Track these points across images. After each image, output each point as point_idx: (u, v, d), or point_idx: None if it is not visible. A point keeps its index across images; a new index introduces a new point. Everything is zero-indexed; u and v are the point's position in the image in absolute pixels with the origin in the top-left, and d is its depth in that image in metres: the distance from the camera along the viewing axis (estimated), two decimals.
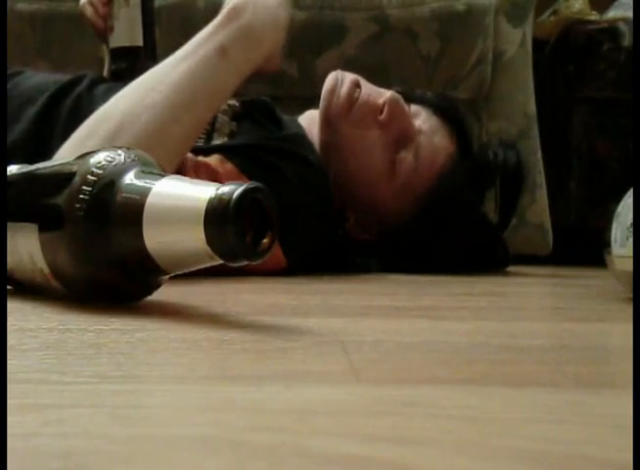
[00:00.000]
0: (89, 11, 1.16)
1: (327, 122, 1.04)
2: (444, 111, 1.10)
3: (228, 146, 0.99)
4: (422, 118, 1.06)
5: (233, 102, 1.07)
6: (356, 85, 1.05)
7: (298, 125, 1.09)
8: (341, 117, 1.03)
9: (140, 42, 1.12)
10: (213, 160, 0.94)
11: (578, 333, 0.48)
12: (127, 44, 1.12)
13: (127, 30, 1.12)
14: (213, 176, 0.91)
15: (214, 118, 1.03)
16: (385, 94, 1.05)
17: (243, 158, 0.95)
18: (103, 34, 1.15)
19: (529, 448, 0.22)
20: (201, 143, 1.01)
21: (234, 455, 0.21)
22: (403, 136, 1.03)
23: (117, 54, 1.13)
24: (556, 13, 1.71)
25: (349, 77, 1.06)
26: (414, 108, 1.07)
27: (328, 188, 1.00)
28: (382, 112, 1.03)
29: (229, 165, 0.94)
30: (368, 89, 1.06)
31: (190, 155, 0.94)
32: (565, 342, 0.45)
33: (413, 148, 1.03)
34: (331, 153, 1.03)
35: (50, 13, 1.43)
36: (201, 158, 0.94)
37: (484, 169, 1.10)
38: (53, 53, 1.43)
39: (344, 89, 1.04)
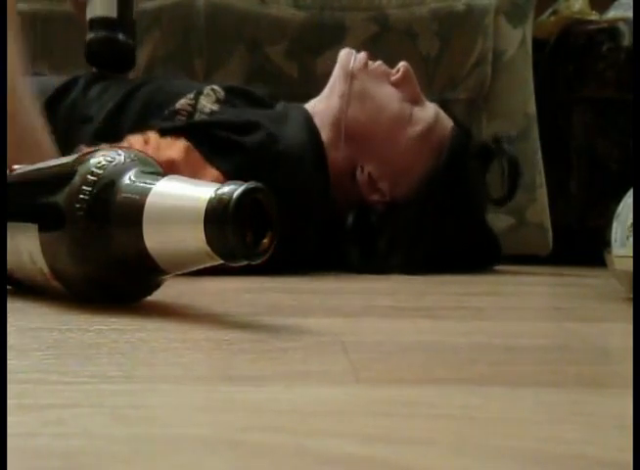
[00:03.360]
0: None
1: (344, 72, 1.10)
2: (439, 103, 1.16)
3: (194, 123, 0.99)
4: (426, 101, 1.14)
5: (218, 88, 1.08)
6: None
7: (296, 107, 1.11)
8: (361, 69, 1.10)
9: (114, 14, 1.13)
10: (177, 150, 0.93)
11: (578, 333, 0.48)
12: (101, 14, 1.14)
13: (102, 1, 1.13)
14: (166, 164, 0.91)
15: (196, 100, 1.04)
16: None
17: (211, 145, 0.95)
18: (78, 9, 1.16)
19: (529, 448, 0.22)
20: (182, 123, 1.01)
21: (234, 455, 0.21)
22: (415, 97, 1.10)
23: (94, 24, 1.15)
24: (556, 13, 1.71)
25: (362, 53, 1.14)
26: None
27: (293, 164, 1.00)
28: (395, 74, 1.11)
29: (195, 155, 0.93)
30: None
31: (155, 135, 0.94)
32: (565, 342, 0.45)
33: (430, 106, 1.10)
34: (346, 102, 1.08)
35: (50, 13, 1.43)
36: (167, 139, 0.94)
37: (483, 146, 1.16)
38: (53, 53, 1.43)
39: (360, 54, 1.13)
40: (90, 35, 1.14)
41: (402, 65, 1.12)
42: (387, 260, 1.04)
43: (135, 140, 0.93)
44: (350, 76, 1.10)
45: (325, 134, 1.06)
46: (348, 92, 1.09)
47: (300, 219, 0.97)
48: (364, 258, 1.05)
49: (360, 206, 1.08)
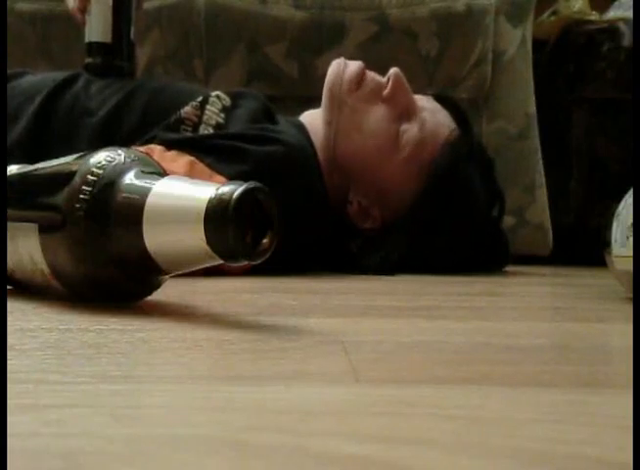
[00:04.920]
0: (70, 2, 1.18)
1: (332, 99, 1.07)
2: (443, 99, 1.13)
3: (199, 138, 0.99)
4: (424, 100, 1.10)
5: (223, 95, 1.07)
6: (363, 67, 1.08)
7: (296, 122, 1.09)
8: (349, 93, 1.06)
9: (109, 39, 1.13)
10: (181, 165, 0.91)
11: (578, 333, 0.48)
12: (97, 40, 1.14)
13: (97, 26, 1.14)
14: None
15: (202, 109, 1.04)
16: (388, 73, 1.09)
17: (217, 156, 0.95)
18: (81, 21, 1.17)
19: (529, 448, 0.22)
20: (188, 134, 1.01)
21: (234, 455, 0.21)
22: (406, 110, 1.06)
23: (91, 49, 1.15)
24: (556, 13, 1.71)
25: (355, 62, 1.09)
26: (416, 95, 1.10)
27: (298, 167, 1.00)
28: (386, 87, 1.07)
29: (200, 167, 0.93)
30: (372, 72, 1.10)
31: (159, 147, 0.94)
32: (565, 342, 0.45)
33: (417, 121, 1.06)
34: (334, 132, 1.06)
35: (50, 13, 1.43)
36: (170, 153, 0.93)
37: (484, 149, 1.15)
38: (53, 53, 1.43)
39: (352, 68, 1.08)
40: (88, 60, 1.15)
41: (392, 73, 1.07)
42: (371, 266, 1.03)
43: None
44: (338, 103, 1.06)
45: (320, 157, 1.05)
46: (337, 122, 1.06)
47: (302, 228, 0.98)
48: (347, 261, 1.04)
49: (343, 222, 1.07)
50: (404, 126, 1.05)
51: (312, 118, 1.10)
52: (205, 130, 1.02)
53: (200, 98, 1.05)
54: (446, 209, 1.06)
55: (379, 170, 1.05)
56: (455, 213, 1.06)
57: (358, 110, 1.06)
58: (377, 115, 1.06)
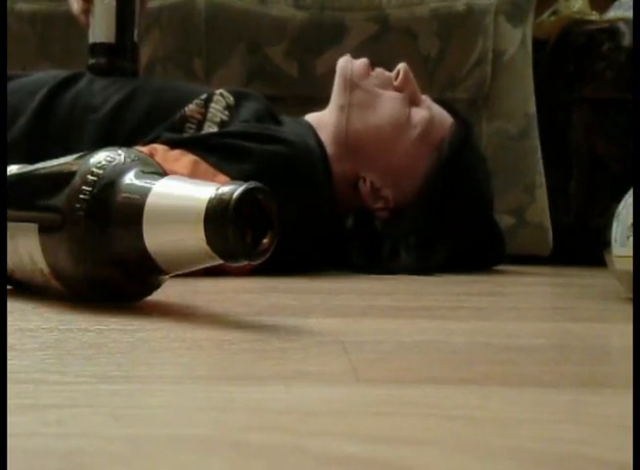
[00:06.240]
0: (74, 5, 1.18)
1: (345, 83, 1.11)
2: (438, 101, 1.17)
3: (203, 137, 0.99)
4: (424, 97, 1.15)
5: (227, 93, 1.07)
6: (369, 61, 1.14)
7: (301, 121, 1.10)
8: (361, 78, 1.11)
9: (112, 40, 1.13)
10: (184, 165, 0.91)
11: (578, 333, 0.48)
12: (101, 41, 1.14)
13: (101, 27, 1.14)
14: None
15: (207, 107, 1.04)
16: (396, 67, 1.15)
17: (221, 156, 0.95)
18: (84, 22, 1.17)
19: (529, 448, 0.22)
20: (192, 132, 1.01)
21: (234, 455, 0.21)
22: (415, 97, 1.12)
23: (94, 49, 1.15)
24: (556, 13, 1.71)
25: (361, 59, 1.14)
26: None
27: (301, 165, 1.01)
28: (396, 78, 1.12)
29: (203, 166, 0.93)
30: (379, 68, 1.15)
31: (162, 147, 0.94)
32: (565, 342, 0.45)
33: (425, 107, 1.12)
34: (347, 115, 1.09)
35: (50, 13, 1.43)
36: (174, 152, 0.93)
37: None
38: (53, 53, 1.43)
39: (359, 60, 1.13)
40: (91, 61, 1.15)
41: (401, 67, 1.12)
42: (396, 262, 1.04)
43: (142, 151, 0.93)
44: (350, 87, 1.10)
45: (329, 149, 1.07)
46: (348, 104, 1.09)
47: (305, 229, 0.98)
48: (368, 259, 1.05)
49: (361, 209, 1.09)
50: (414, 109, 1.10)
51: (318, 116, 1.12)
52: (209, 128, 1.03)
53: (204, 96, 1.06)
54: (455, 189, 1.08)
55: (392, 149, 1.08)
56: (463, 195, 1.09)
57: (372, 92, 1.10)
58: (390, 97, 1.10)
